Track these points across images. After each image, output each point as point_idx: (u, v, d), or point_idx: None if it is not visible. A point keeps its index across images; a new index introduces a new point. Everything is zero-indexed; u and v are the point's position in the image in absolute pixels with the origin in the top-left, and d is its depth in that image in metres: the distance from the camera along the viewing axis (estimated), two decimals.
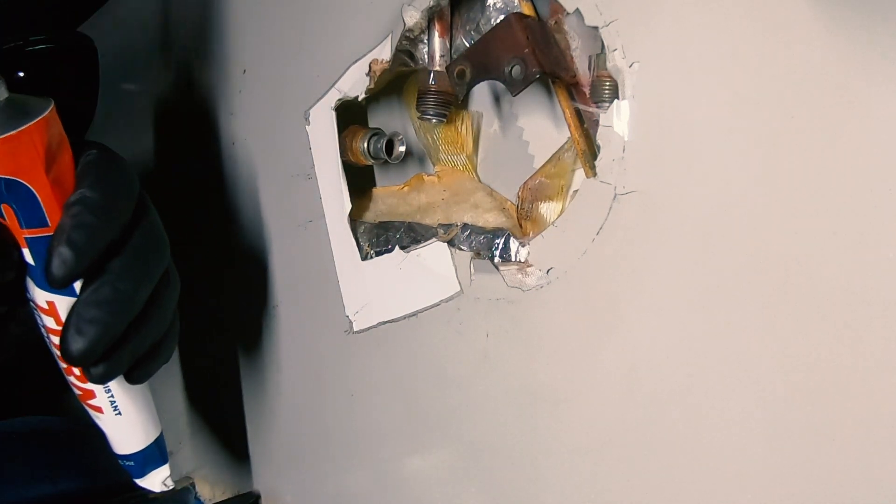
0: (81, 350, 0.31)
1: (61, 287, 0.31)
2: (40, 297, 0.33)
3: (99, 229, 0.31)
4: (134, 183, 0.34)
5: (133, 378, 0.36)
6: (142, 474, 0.41)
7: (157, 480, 0.41)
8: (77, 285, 0.32)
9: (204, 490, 0.53)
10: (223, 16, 0.50)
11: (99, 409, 0.37)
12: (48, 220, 0.31)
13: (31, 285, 0.34)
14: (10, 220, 0.31)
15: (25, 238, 0.32)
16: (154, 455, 0.40)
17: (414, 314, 0.39)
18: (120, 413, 0.37)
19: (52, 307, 0.33)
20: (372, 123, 0.46)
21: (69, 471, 0.49)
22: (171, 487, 0.41)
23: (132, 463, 0.40)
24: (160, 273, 0.35)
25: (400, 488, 0.41)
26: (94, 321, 0.31)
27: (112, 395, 0.37)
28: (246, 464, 0.51)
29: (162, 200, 0.56)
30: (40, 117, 0.30)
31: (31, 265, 0.32)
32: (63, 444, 0.51)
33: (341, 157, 0.42)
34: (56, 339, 0.33)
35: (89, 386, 0.36)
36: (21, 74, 0.60)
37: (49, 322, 0.34)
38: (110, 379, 0.34)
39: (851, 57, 0.25)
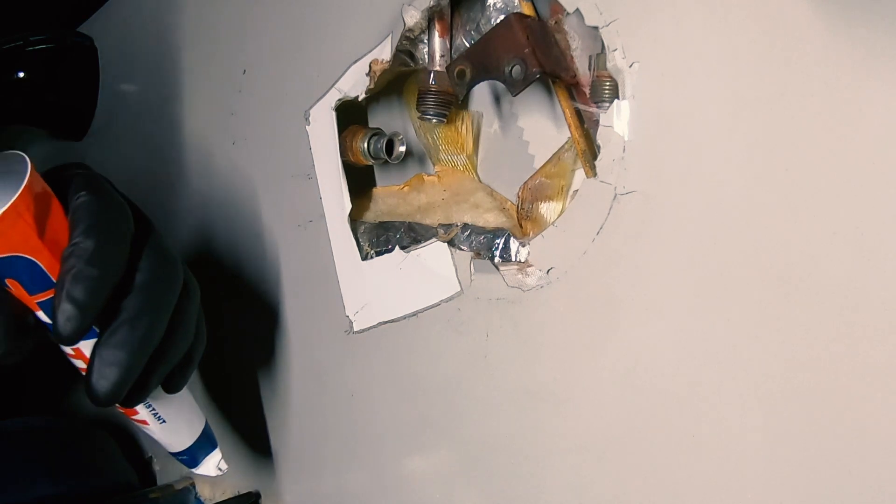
0: (106, 394, 0.31)
1: (73, 343, 0.30)
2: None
3: (98, 278, 0.30)
4: (127, 216, 0.33)
5: (170, 388, 0.36)
6: (195, 464, 0.42)
7: (211, 465, 0.42)
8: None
9: (204, 490, 0.53)
10: (223, 16, 0.50)
11: (144, 422, 0.38)
12: (54, 280, 0.30)
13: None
14: (18, 291, 0.31)
15: (36, 303, 0.31)
16: (204, 444, 0.41)
17: (414, 314, 0.39)
18: (164, 421, 0.38)
19: (79, 352, 0.33)
20: (372, 123, 0.46)
21: (69, 471, 0.49)
22: (225, 470, 0.42)
23: (185, 457, 0.41)
24: (176, 295, 0.34)
25: (400, 488, 0.41)
26: (114, 364, 0.31)
27: (153, 409, 0.38)
28: (246, 463, 0.51)
29: (161, 202, 0.56)
30: (23, 186, 0.28)
31: (49, 323, 0.32)
32: (63, 444, 0.51)
33: (341, 157, 0.42)
34: None
35: None
36: (21, 74, 0.60)
37: (79, 364, 0.34)
38: (143, 401, 0.35)
39: (851, 57, 0.25)
